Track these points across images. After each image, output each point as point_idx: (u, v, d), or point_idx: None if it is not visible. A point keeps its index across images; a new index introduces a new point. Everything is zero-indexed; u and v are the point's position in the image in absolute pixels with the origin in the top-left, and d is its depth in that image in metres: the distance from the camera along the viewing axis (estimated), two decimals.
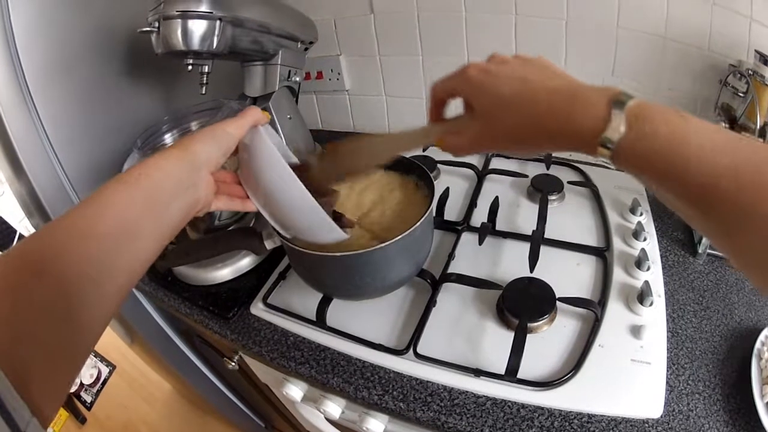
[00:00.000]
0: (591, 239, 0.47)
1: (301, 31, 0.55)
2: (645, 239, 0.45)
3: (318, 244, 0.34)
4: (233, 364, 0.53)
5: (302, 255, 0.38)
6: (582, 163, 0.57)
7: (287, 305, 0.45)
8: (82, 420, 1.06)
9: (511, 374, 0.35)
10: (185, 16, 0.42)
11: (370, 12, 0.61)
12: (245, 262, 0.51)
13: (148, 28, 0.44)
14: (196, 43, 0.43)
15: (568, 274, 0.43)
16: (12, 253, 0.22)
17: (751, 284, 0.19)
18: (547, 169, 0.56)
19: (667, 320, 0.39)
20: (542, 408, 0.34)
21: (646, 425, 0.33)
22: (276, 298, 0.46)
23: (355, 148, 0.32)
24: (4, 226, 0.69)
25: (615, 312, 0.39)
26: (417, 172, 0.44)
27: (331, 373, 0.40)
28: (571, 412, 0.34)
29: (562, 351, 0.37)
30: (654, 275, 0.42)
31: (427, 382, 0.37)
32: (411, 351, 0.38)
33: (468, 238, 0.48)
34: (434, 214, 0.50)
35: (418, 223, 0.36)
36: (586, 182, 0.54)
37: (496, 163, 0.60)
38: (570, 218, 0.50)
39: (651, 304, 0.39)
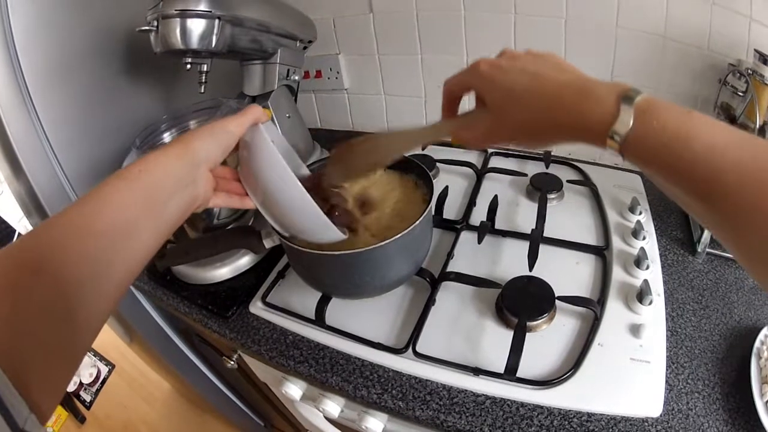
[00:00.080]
0: (590, 238, 0.47)
1: (300, 30, 0.55)
2: (644, 238, 0.45)
3: (316, 244, 0.34)
4: (232, 363, 0.53)
5: (301, 254, 0.37)
6: (581, 162, 0.57)
7: (286, 304, 0.45)
8: (82, 419, 1.06)
9: (510, 373, 0.35)
10: (184, 14, 0.42)
11: (369, 11, 0.61)
12: (244, 261, 0.51)
13: (146, 27, 0.44)
14: (194, 42, 0.43)
15: (567, 273, 0.43)
16: (10, 251, 0.22)
17: (756, 281, 0.19)
18: (547, 167, 0.56)
19: (667, 319, 0.39)
20: (541, 407, 0.34)
21: (646, 424, 0.33)
22: (275, 297, 0.46)
23: (369, 146, 0.33)
24: (3, 226, 0.69)
25: (614, 311, 0.39)
26: (416, 171, 0.44)
27: (330, 371, 0.40)
28: (570, 410, 0.34)
29: (562, 350, 0.37)
30: (653, 274, 0.42)
31: (427, 380, 0.37)
32: (410, 350, 0.38)
33: (467, 237, 0.48)
34: (433, 213, 0.49)
35: (417, 222, 0.36)
36: (586, 181, 0.54)
37: (496, 162, 0.60)
38: (569, 217, 0.50)
39: (650, 303, 0.39)
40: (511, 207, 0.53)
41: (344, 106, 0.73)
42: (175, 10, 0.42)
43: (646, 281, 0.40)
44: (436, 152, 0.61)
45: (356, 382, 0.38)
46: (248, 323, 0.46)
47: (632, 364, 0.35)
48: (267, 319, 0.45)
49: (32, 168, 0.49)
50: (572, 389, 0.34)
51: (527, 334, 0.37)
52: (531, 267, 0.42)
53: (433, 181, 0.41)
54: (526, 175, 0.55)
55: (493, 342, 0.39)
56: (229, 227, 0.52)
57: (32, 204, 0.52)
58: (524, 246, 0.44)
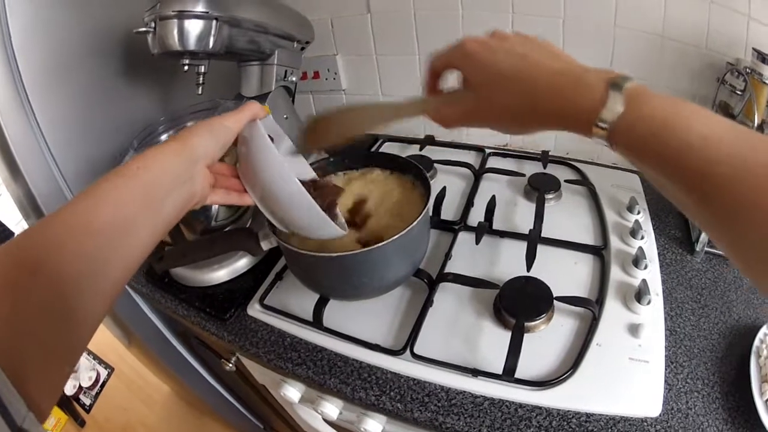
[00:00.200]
0: (588, 238, 0.47)
1: (297, 31, 0.55)
2: (642, 237, 0.45)
3: (315, 241, 0.34)
4: (230, 365, 0.53)
5: (298, 256, 0.37)
6: (579, 162, 0.57)
7: (284, 306, 0.45)
8: (81, 423, 1.05)
9: (508, 374, 0.35)
10: (181, 16, 0.42)
11: (366, 11, 0.61)
12: (242, 263, 0.51)
13: (144, 29, 0.44)
14: (192, 44, 0.43)
15: (565, 273, 0.43)
16: (7, 249, 0.22)
17: (750, 282, 0.19)
18: (544, 167, 0.56)
19: (665, 318, 0.38)
20: (540, 407, 0.34)
21: (645, 424, 0.33)
22: (273, 299, 0.46)
23: (346, 116, 0.32)
24: (1, 228, 0.69)
25: (613, 311, 0.39)
26: (414, 172, 0.44)
27: (328, 374, 0.39)
28: (569, 411, 0.34)
29: (560, 350, 0.37)
30: (652, 273, 0.42)
31: (425, 382, 0.37)
32: (408, 351, 0.38)
33: (465, 238, 0.48)
34: (431, 214, 0.49)
35: (415, 223, 0.36)
36: (584, 181, 0.54)
37: (493, 162, 0.60)
38: (567, 217, 0.50)
39: (649, 303, 0.39)
40: (508, 207, 0.52)
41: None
42: (173, 12, 0.42)
43: (644, 281, 0.40)
44: (433, 153, 0.61)
45: (354, 384, 0.38)
46: (246, 325, 0.45)
47: (631, 363, 0.35)
48: (265, 322, 0.45)
49: (30, 170, 0.49)
50: (571, 390, 0.34)
51: (525, 334, 0.37)
52: (529, 267, 0.41)
53: (431, 181, 0.41)
54: (523, 175, 0.55)
55: (492, 343, 0.38)
56: (227, 229, 0.52)
57: (30, 206, 0.51)
58: (522, 246, 0.44)
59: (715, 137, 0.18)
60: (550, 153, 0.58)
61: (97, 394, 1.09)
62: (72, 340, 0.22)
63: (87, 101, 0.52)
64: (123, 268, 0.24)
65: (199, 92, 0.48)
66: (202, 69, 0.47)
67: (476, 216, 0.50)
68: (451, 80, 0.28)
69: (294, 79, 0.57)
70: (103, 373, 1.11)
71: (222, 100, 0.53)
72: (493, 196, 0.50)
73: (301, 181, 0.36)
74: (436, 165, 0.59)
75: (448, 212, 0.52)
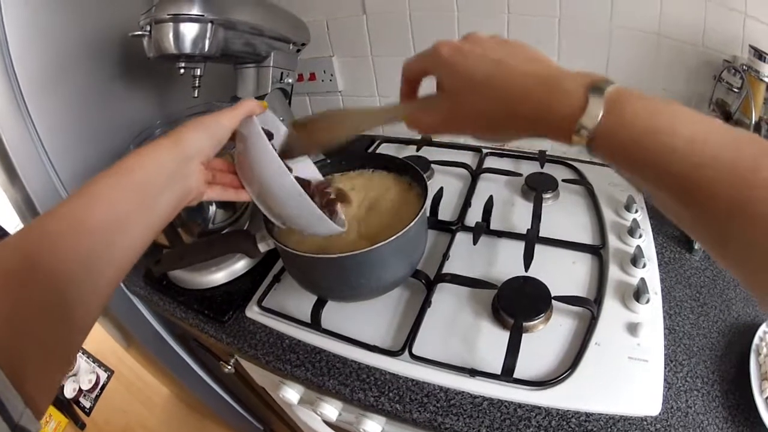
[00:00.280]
0: (586, 237, 0.47)
1: (293, 33, 0.55)
2: (640, 236, 0.45)
3: (314, 242, 0.34)
4: (229, 367, 0.53)
5: (296, 257, 0.37)
6: (576, 161, 0.57)
7: (282, 308, 0.45)
8: (82, 426, 1.05)
9: (507, 374, 0.35)
10: (177, 19, 0.42)
11: (362, 13, 0.61)
12: (240, 266, 0.51)
13: (140, 32, 0.44)
14: (187, 47, 0.43)
15: (563, 273, 0.43)
16: (4, 248, 0.22)
17: (742, 286, 0.18)
18: (542, 167, 0.56)
19: (664, 317, 0.38)
20: (539, 407, 0.34)
21: (645, 423, 0.32)
22: (271, 301, 0.46)
23: (328, 122, 0.32)
24: (0, 232, 0.69)
25: (611, 310, 0.39)
26: (410, 173, 0.44)
27: (326, 375, 0.39)
28: (568, 411, 0.34)
29: (559, 350, 0.37)
30: (650, 272, 0.42)
31: (423, 383, 0.37)
32: (406, 352, 0.38)
33: (462, 238, 0.48)
34: (428, 214, 0.49)
35: (412, 224, 0.36)
36: (581, 180, 0.54)
37: (490, 162, 0.60)
38: (565, 216, 0.50)
39: (647, 302, 0.39)
40: (506, 207, 0.52)
41: (339, 108, 0.73)
42: (168, 15, 0.42)
43: (642, 279, 0.39)
44: (430, 153, 0.61)
45: (353, 386, 0.38)
46: (244, 327, 0.45)
47: (630, 363, 0.35)
48: (263, 323, 0.45)
49: (27, 174, 0.49)
50: (570, 389, 0.34)
51: (524, 334, 0.37)
52: (527, 267, 0.41)
53: (428, 182, 0.41)
54: (521, 175, 0.55)
55: (490, 343, 0.38)
56: (224, 231, 0.52)
57: (28, 210, 0.51)
58: (520, 246, 0.43)
59: (699, 139, 0.17)
60: (547, 152, 0.57)
61: (97, 396, 1.09)
62: (69, 336, 0.22)
63: (84, 105, 0.52)
64: (118, 265, 0.25)
65: (195, 95, 0.48)
66: (198, 72, 0.47)
67: (474, 216, 0.50)
68: (429, 86, 0.28)
69: (290, 80, 0.57)
70: (103, 375, 1.11)
71: (218, 103, 0.53)
72: (491, 197, 0.50)
73: (301, 178, 0.36)
74: (433, 165, 0.58)
75: (446, 213, 0.52)
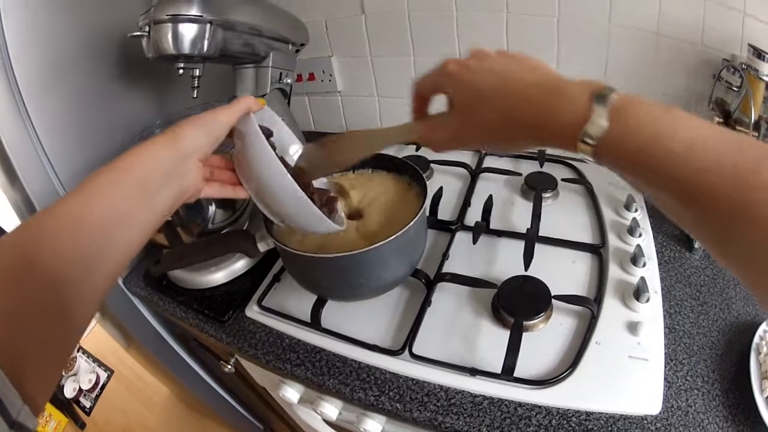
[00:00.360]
0: (586, 236, 0.47)
1: (292, 33, 0.55)
2: (640, 235, 0.45)
3: (314, 241, 0.34)
4: (229, 367, 0.53)
5: (295, 257, 0.37)
6: (576, 161, 0.57)
7: (282, 307, 0.45)
8: (82, 425, 1.05)
9: (507, 373, 0.35)
10: (176, 20, 0.42)
11: (361, 13, 0.61)
12: (239, 265, 0.51)
13: (138, 33, 0.44)
14: (186, 47, 0.43)
15: (563, 272, 0.43)
16: (3, 245, 0.22)
17: (744, 287, 0.18)
18: (541, 166, 0.56)
19: (664, 316, 0.38)
20: (540, 406, 0.34)
21: (645, 422, 0.32)
22: (271, 301, 0.46)
23: (340, 144, 0.33)
24: (0, 233, 0.69)
25: (611, 309, 0.39)
26: (410, 172, 0.44)
27: (326, 374, 0.39)
28: (569, 410, 0.34)
29: (559, 349, 0.37)
30: (650, 271, 0.42)
31: (424, 382, 0.37)
32: (406, 351, 0.38)
33: (462, 238, 0.48)
34: (428, 214, 0.49)
35: (412, 223, 0.36)
36: (581, 179, 0.54)
37: (490, 162, 0.60)
38: (564, 215, 0.50)
39: (647, 301, 0.39)
40: (506, 206, 0.52)
41: (338, 108, 0.73)
42: (167, 15, 0.42)
43: (642, 278, 0.39)
44: (430, 153, 0.61)
45: (353, 385, 0.38)
46: (244, 327, 0.45)
47: (630, 362, 0.35)
48: (263, 323, 0.45)
49: (27, 174, 0.49)
50: (570, 388, 0.34)
51: (524, 333, 0.37)
52: (527, 266, 0.41)
53: (428, 182, 0.41)
54: (520, 174, 0.55)
55: (490, 342, 0.38)
56: (224, 231, 0.52)
57: (28, 211, 0.51)
58: (520, 245, 0.43)
59: (700, 144, 0.17)
60: (546, 152, 0.57)
61: (97, 396, 1.09)
62: (67, 334, 0.22)
63: (83, 105, 0.52)
64: (116, 262, 0.25)
65: (194, 95, 0.48)
66: (197, 72, 0.47)
67: (473, 216, 0.50)
68: (440, 104, 0.29)
69: (289, 81, 0.57)
70: (103, 375, 1.11)
71: (217, 103, 0.52)
72: (490, 196, 0.50)
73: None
74: (432, 165, 0.58)
75: (445, 212, 0.52)
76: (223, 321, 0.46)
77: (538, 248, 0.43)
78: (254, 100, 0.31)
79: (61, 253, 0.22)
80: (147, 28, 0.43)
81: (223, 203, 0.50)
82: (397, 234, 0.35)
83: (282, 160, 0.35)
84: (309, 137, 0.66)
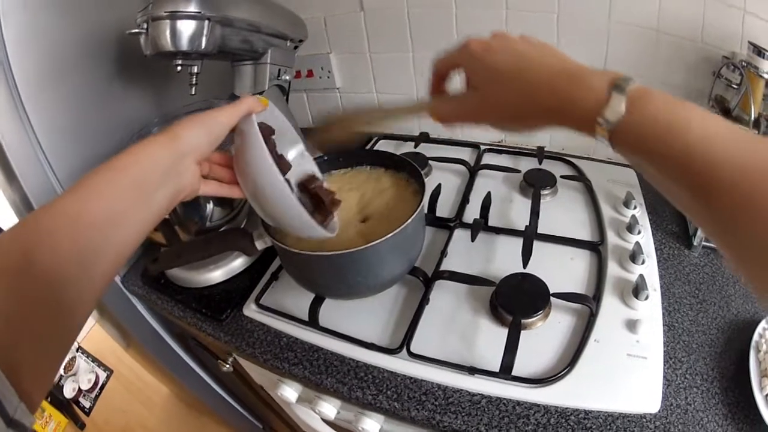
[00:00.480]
0: (585, 233, 0.47)
1: (290, 30, 0.55)
2: (639, 232, 0.45)
3: (307, 243, 0.34)
4: (228, 366, 0.53)
5: (293, 255, 0.37)
6: (575, 158, 0.57)
7: (280, 306, 0.45)
8: (81, 426, 1.05)
9: (505, 371, 0.35)
10: (174, 16, 0.42)
11: (360, 9, 0.60)
12: (237, 264, 0.50)
13: (136, 30, 0.43)
14: (184, 44, 0.43)
15: (562, 269, 0.43)
16: (1, 241, 0.22)
17: (747, 284, 0.18)
18: (540, 163, 0.56)
19: (663, 314, 0.38)
20: (538, 405, 0.34)
21: (644, 420, 0.32)
22: (268, 299, 0.46)
23: (358, 114, 0.33)
24: None
25: (610, 306, 0.39)
26: (408, 169, 0.43)
27: (324, 373, 0.39)
28: (567, 408, 0.34)
29: (557, 347, 0.37)
30: (649, 269, 0.42)
31: (421, 380, 0.37)
32: (404, 350, 0.38)
33: (460, 235, 0.48)
34: (426, 211, 0.49)
35: (409, 221, 0.36)
36: (579, 176, 0.54)
37: (488, 159, 0.59)
38: (563, 213, 0.50)
39: (646, 298, 0.38)
40: (504, 204, 0.52)
41: (336, 105, 0.73)
42: (165, 12, 0.42)
43: (641, 276, 0.39)
44: (428, 150, 0.61)
45: (351, 384, 0.38)
46: (242, 326, 0.45)
47: (629, 360, 0.35)
48: (261, 322, 0.45)
49: (25, 174, 0.49)
50: (569, 387, 0.34)
51: (522, 331, 0.37)
52: (525, 264, 0.41)
53: (426, 179, 0.41)
54: (519, 171, 0.55)
55: (488, 340, 0.38)
56: (222, 230, 0.52)
57: (26, 211, 0.51)
58: (518, 243, 0.43)
59: (716, 139, 0.18)
60: (545, 149, 0.57)
61: (97, 396, 1.09)
62: (64, 332, 0.22)
63: (81, 104, 0.52)
64: (113, 260, 0.25)
65: (193, 92, 0.48)
66: (195, 69, 0.47)
67: (472, 213, 0.50)
68: (457, 82, 0.29)
69: (287, 77, 0.57)
70: (102, 375, 1.11)
71: (216, 100, 0.53)
72: (489, 193, 0.50)
73: (300, 180, 0.36)
74: (431, 162, 0.58)
75: (444, 209, 0.52)
76: (221, 320, 0.46)
77: (537, 245, 0.43)
78: (257, 101, 0.31)
79: (59, 251, 0.22)
80: (145, 25, 0.43)
81: (221, 201, 0.50)
82: (395, 232, 0.35)
83: (282, 158, 0.35)
84: (307, 134, 0.66)
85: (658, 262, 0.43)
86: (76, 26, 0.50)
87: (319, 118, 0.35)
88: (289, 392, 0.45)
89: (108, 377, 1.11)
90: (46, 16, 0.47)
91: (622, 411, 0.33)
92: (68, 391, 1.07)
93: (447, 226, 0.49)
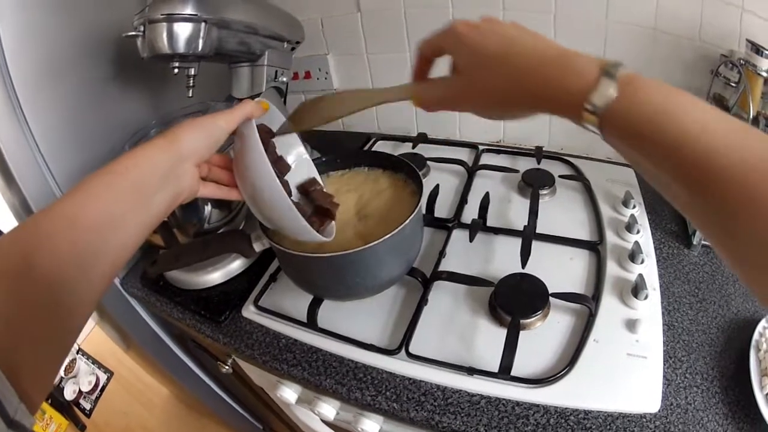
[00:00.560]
0: (583, 233, 0.47)
1: (287, 31, 0.55)
2: (638, 232, 0.45)
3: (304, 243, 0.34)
4: (227, 367, 0.53)
5: (291, 257, 0.37)
6: (573, 157, 0.57)
7: (278, 307, 0.45)
8: (82, 427, 1.05)
9: (504, 372, 0.35)
10: (170, 19, 0.42)
11: (356, 10, 0.60)
12: (236, 265, 0.50)
13: (133, 33, 0.43)
14: (181, 46, 0.43)
15: (560, 269, 0.43)
16: (1, 244, 0.22)
17: (743, 283, 0.18)
18: (538, 163, 0.56)
19: (663, 313, 0.38)
20: (537, 405, 0.34)
21: (644, 420, 0.32)
22: (267, 301, 0.46)
23: (338, 97, 0.32)
24: None
25: (609, 306, 0.39)
26: (405, 170, 0.43)
27: (323, 374, 0.39)
28: (567, 408, 0.33)
29: (557, 347, 0.37)
30: (648, 268, 0.41)
31: (420, 381, 0.37)
32: (403, 351, 0.38)
33: (459, 235, 0.48)
34: (424, 212, 0.49)
35: (407, 221, 0.36)
36: (578, 176, 0.54)
37: (487, 159, 0.59)
38: (562, 212, 0.49)
39: (646, 298, 0.38)
40: (503, 204, 0.52)
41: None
42: (162, 15, 0.42)
43: (641, 275, 0.39)
44: (426, 150, 0.61)
45: (350, 385, 0.38)
46: (241, 327, 0.45)
47: (629, 359, 0.35)
48: (260, 323, 0.45)
49: (23, 176, 0.49)
50: (568, 387, 0.34)
51: (521, 332, 0.37)
52: (524, 264, 0.41)
53: (424, 179, 0.41)
54: (517, 171, 0.55)
55: (487, 341, 0.38)
56: (220, 231, 0.52)
57: (25, 213, 0.51)
58: (517, 243, 0.43)
59: (711, 126, 0.17)
60: (543, 148, 0.57)
61: (97, 398, 1.09)
62: (63, 332, 0.23)
63: (78, 106, 0.52)
64: (112, 262, 0.25)
65: (190, 95, 0.48)
66: (192, 71, 0.47)
67: (470, 213, 0.50)
68: (442, 68, 0.28)
69: (285, 79, 0.57)
70: (103, 377, 1.11)
71: (213, 102, 0.53)
72: (487, 193, 0.50)
73: (299, 184, 0.36)
74: (429, 162, 0.58)
75: (442, 210, 0.52)
76: (220, 321, 0.46)
77: (536, 246, 0.43)
78: (256, 106, 0.31)
79: (58, 254, 0.22)
80: (142, 28, 0.43)
81: (219, 203, 0.50)
82: (393, 233, 0.35)
83: (281, 159, 0.36)
84: (304, 135, 0.66)
85: (657, 261, 0.43)
86: (73, 28, 0.50)
87: (299, 105, 0.33)
88: (288, 393, 0.45)
89: (108, 379, 1.11)
90: (42, 16, 0.47)
91: (622, 411, 0.33)
92: (69, 393, 1.07)
93: (445, 226, 0.49)
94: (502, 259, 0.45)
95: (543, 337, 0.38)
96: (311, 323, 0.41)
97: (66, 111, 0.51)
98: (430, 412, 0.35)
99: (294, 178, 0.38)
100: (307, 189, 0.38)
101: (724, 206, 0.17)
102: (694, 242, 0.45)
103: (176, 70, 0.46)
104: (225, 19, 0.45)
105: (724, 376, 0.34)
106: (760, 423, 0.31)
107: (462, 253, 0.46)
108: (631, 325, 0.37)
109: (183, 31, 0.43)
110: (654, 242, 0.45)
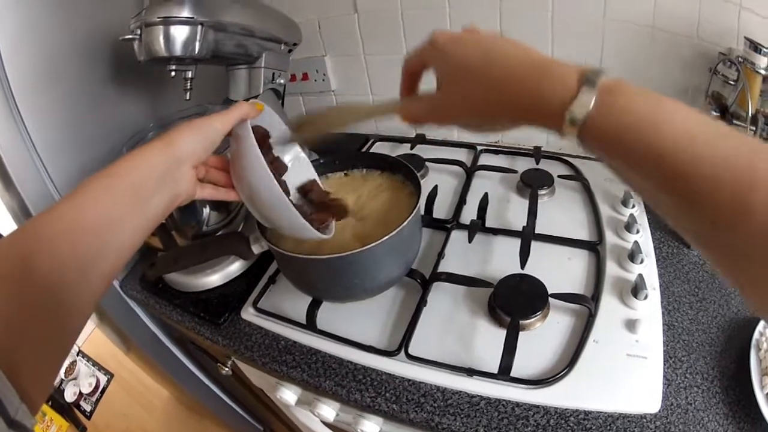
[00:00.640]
0: (583, 233, 0.47)
1: (284, 33, 0.55)
2: (638, 231, 0.44)
3: (310, 243, 0.34)
4: (227, 369, 0.53)
5: (289, 259, 0.37)
6: (572, 157, 0.57)
7: (277, 309, 0.45)
8: (82, 429, 1.05)
9: (504, 373, 0.35)
10: (167, 22, 0.42)
11: (354, 11, 0.60)
12: (234, 267, 0.50)
13: (130, 36, 0.43)
14: (178, 49, 0.43)
15: (560, 270, 0.43)
16: (2, 247, 0.22)
17: (735, 288, 0.17)
18: (537, 163, 0.56)
19: (663, 313, 0.38)
20: (537, 406, 0.34)
21: (644, 420, 0.32)
22: (266, 303, 0.46)
23: (331, 113, 0.33)
24: None
25: (609, 306, 0.39)
26: (403, 171, 0.43)
27: (323, 376, 0.39)
28: (567, 409, 0.33)
29: (556, 348, 0.37)
30: (648, 268, 0.41)
31: (420, 382, 0.37)
32: (402, 352, 0.38)
33: (458, 236, 0.48)
34: (423, 213, 0.49)
35: (405, 223, 0.36)
36: (577, 176, 0.53)
37: (485, 159, 0.59)
38: (561, 212, 0.49)
39: (645, 298, 0.38)
40: (501, 204, 0.52)
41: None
42: (158, 18, 0.42)
43: (640, 275, 0.39)
44: (425, 151, 0.61)
45: (349, 386, 0.38)
46: (240, 329, 0.45)
47: (629, 359, 0.35)
48: (259, 325, 0.45)
49: (21, 179, 0.49)
50: (568, 387, 0.34)
51: (521, 332, 0.36)
52: (523, 265, 0.41)
53: (423, 180, 0.41)
54: (516, 171, 0.54)
55: (487, 342, 0.38)
56: (218, 234, 0.52)
57: (24, 216, 0.51)
58: (516, 243, 0.43)
59: (695, 134, 0.17)
60: (542, 148, 0.57)
61: (98, 400, 1.09)
62: (63, 333, 0.23)
63: (76, 109, 0.52)
64: (111, 264, 0.25)
65: (187, 97, 0.48)
66: (190, 74, 0.47)
67: (469, 214, 0.49)
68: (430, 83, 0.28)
69: (282, 81, 0.57)
70: (103, 379, 1.11)
71: (210, 105, 0.53)
72: (486, 194, 0.50)
73: (299, 185, 0.36)
74: (427, 163, 0.58)
75: (441, 211, 0.52)
76: (219, 323, 0.46)
77: (535, 246, 0.43)
78: (251, 107, 0.31)
79: (58, 257, 0.22)
80: (138, 31, 0.43)
81: (218, 205, 0.50)
82: (391, 234, 0.35)
83: (278, 160, 0.36)
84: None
85: (657, 261, 0.43)
86: (71, 30, 0.50)
87: (293, 118, 0.34)
88: (288, 395, 0.45)
89: (108, 381, 1.11)
90: (39, 20, 0.47)
91: (622, 411, 0.33)
92: (69, 395, 1.07)
93: (444, 227, 0.49)
94: (501, 259, 0.45)
95: (542, 337, 0.38)
96: (310, 325, 0.41)
97: (64, 113, 0.51)
98: (430, 414, 0.35)
99: (293, 180, 0.38)
100: (307, 190, 0.38)
101: (708, 214, 0.16)
102: None
103: (173, 73, 0.46)
104: (221, 21, 0.45)
105: (724, 376, 0.34)
106: (760, 422, 0.31)
107: (461, 254, 0.46)
108: (630, 325, 0.37)
109: (180, 34, 0.43)
110: (653, 242, 0.45)
